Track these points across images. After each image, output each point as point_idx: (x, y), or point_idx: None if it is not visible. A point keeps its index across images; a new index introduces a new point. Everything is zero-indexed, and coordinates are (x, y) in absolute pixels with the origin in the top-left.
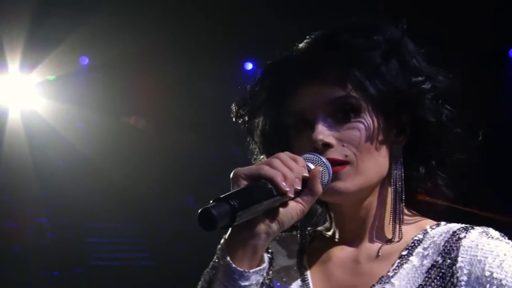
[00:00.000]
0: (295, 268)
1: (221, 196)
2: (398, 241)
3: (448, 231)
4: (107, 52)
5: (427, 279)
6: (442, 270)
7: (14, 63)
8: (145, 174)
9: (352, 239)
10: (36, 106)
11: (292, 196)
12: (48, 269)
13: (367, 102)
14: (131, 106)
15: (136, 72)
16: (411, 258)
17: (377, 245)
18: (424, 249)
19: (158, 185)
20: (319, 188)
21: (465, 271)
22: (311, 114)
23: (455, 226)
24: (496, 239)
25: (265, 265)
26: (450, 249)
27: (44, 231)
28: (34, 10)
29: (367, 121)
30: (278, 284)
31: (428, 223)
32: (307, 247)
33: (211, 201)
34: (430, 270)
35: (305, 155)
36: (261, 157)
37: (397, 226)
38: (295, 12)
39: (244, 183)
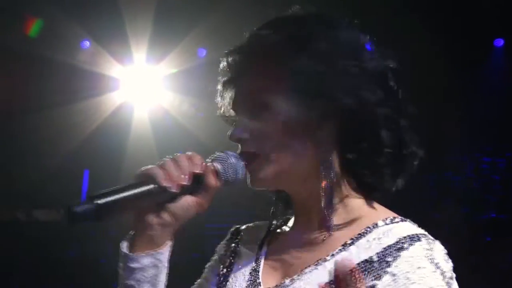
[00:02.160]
0: (255, 252)
1: (95, 193)
2: (338, 227)
3: (395, 234)
4: (226, 45)
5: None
6: (373, 268)
7: (140, 57)
8: None
9: (303, 225)
10: (160, 98)
11: (175, 190)
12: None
13: (280, 93)
14: None
15: None
16: (351, 247)
17: (323, 231)
18: (368, 242)
19: None
20: (211, 182)
21: (390, 278)
22: (236, 109)
23: (404, 230)
24: (435, 264)
25: (160, 250)
26: (389, 253)
27: None
28: (159, 4)
29: (280, 113)
30: (236, 267)
31: (381, 215)
32: (271, 234)
33: (87, 197)
34: (361, 263)
35: (217, 154)
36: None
37: (328, 211)
38: None
39: (135, 181)
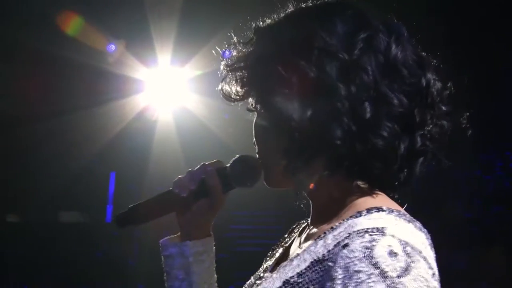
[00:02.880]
0: (283, 249)
1: (135, 204)
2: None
3: (352, 228)
4: None
5: (308, 268)
6: (320, 270)
7: (165, 59)
8: None
9: (312, 221)
10: (185, 100)
11: (184, 195)
12: None
13: (266, 96)
14: None
15: None
16: (320, 241)
17: (324, 225)
18: (334, 236)
19: None
20: (211, 183)
21: (330, 285)
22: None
23: (363, 223)
24: (373, 264)
25: (185, 243)
26: (333, 253)
27: None
28: (184, 6)
29: (265, 115)
30: (271, 258)
31: (368, 205)
32: (292, 234)
33: (128, 207)
34: (314, 262)
35: (234, 159)
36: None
37: (319, 204)
38: None
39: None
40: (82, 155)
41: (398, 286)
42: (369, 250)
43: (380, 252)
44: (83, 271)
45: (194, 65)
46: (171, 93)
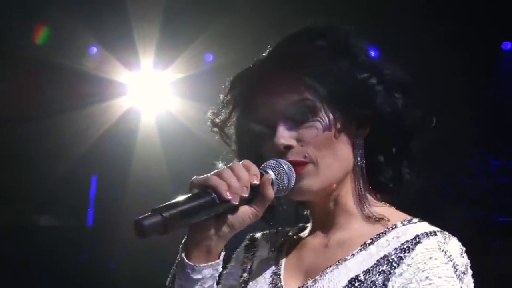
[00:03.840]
0: (274, 257)
1: (159, 206)
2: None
3: (413, 232)
4: (233, 51)
5: (375, 265)
6: (390, 261)
7: (147, 62)
8: None
9: (323, 227)
10: (167, 103)
11: (236, 203)
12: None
13: (322, 102)
14: None
15: None
16: (371, 246)
17: (346, 232)
18: (387, 241)
19: None
20: (269, 194)
21: (403, 268)
22: (272, 120)
23: (422, 228)
24: (448, 257)
25: (219, 260)
26: (406, 248)
27: None
28: (166, 5)
29: (324, 119)
30: (256, 271)
31: (399, 218)
32: (289, 239)
33: (151, 210)
34: (381, 259)
35: (268, 162)
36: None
37: (365, 210)
38: None
39: (195, 191)
40: (64, 158)
41: (463, 280)
42: (445, 245)
43: (453, 249)
44: (65, 275)
45: (177, 68)
46: (154, 96)
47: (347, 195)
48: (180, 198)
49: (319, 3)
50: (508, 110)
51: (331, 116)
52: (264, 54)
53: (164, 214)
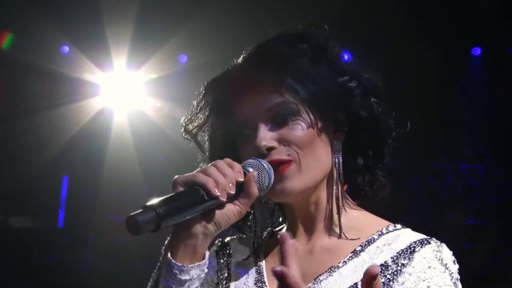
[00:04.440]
0: (252, 263)
1: (150, 203)
2: (354, 239)
3: (405, 240)
4: (207, 51)
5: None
6: (388, 272)
7: (120, 62)
8: None
9: (305, 232)
10: (140, 104)
11: (224, 200)
12: (149, 260)
13: (303, 104)
14: None
15: None
16: (362, 253)
17: (330, 238)
18: (377, 248)
19: None
20: (254, 191)
21: (405, 277)
22: (252, 122)
23: (412, 236)
24: (444, 265)
25: (205, 260)
26: (403, 257)
27: None
28: (139, 6)
29: (305, 121)
30: (236, 279)
31: (382, 224)
32: (264, 244)
33: (142, 206)
34: (378, 268)
35: (247, 161)
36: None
37: (338, 217)
38: None
39: (180, 189)
40: (35, 159)
41: (458, 286)
42: (439, 253)
43: (447, 257)
44: (34, 278)
45: (150, 68)
46: (127, 97)
47: (329, 199)
48: (169, 195)
49: (290, 5)
50: (476, 114)
51: (312, 117)
52: (241, 58)
53: (158, 210)
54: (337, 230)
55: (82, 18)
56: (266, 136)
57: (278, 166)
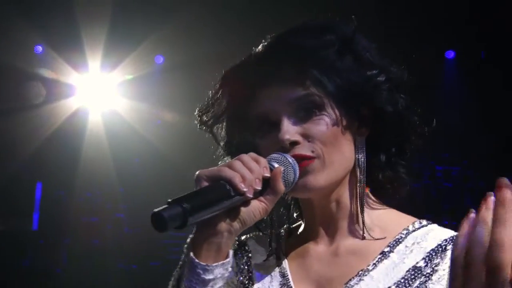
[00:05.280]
0: (274, 264)
1: (176, 198)
2: (380, 238)
3: (434, 238)
4: (183, 52)
5: (406, 277)
6: (423, 274)
7: (95, 63)
8: None
9: (326, 232)
10: (115, 105)
11: (251, 196)
12: (125, 262)
13: (328, 98)
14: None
15: (212, 72)
16: (391, 254)
17: (354, 238)
18: (406, 247)
19: None
20: (281, 187)
21: (439, 274)
22: (274, 115)
23: (441, 233)
24: None
25: (229, 259)
26: (434, 256)
27: (122, 225)
28: (114, 9)
29: (330, 116)
30: (259, 281)
31: (407, 220)
32: (283, 243)
33: (166, 202)
34: (411, 270)
35: (272, 155)
36: (225, 158)
37: (362, 217)
38: None
39: (205, 184)
40: (9, 160)
41: None
42: None
43: None
44: (9, 281)
45: (125, 69)
46: (102, 98)
47: (351, 196)
48: (197, 190)
49: (264, 5)
50: (451, 116)
51: (337, 112)
52: (260, 47)
53: (184, 206)
54: (361, 230)
55: (56, 17)
56: (289, 129)
57: (301, 161)
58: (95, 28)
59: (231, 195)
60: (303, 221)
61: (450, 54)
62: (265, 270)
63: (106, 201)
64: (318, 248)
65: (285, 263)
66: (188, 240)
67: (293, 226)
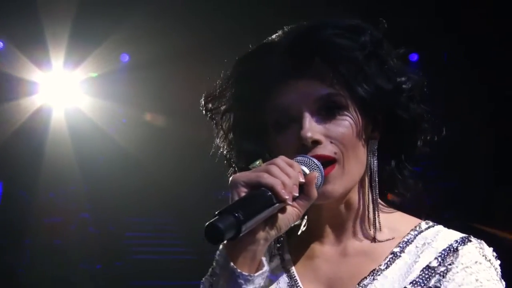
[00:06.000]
0: (279, 265)
1: (225, 208)
2: (389, 239)
3: (444, 239)
4: (148, 50)
5: (421, 276)
6: (436, 273)
7: (58, 61)
8: (185, 169)
9: (333, 233)
10: (79, 103)
11: (291, 203)
12: (89, 263)
13: (352, 100)
14: (172, 105)
15: (178, 70)
16: (403, 255)
17: (363, 240)
18: (417, 248)
19: (198, 181)
20: (315, 193)
21: (453, 273)
22: (296, 110)
23: (451, 234)
24: (488, 261)
25: (266, 268)
26: (447, 256)
27: (86, 225)
28: (77, 9)
29: (353, 118)
30: (265, 284)
31: (414, 221)
32: (285, 244)
33: (216, 213)
34: (424, 270)
35: (298, 158)
36: (225, 151)
37: (377, 219)
38: None
39: (243, 190)
40: None
41: (502, 281)
42: (482, 250)
43: (489, 253)
44: None
45: (88, 67)
46: (65, 95)
47: (361, 199)
48: (241, 199)
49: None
50: None
51: (358, 115)
52: (282, 35)
53: (236, 215)
54: (370, 231)
55: (18, 13)
56: (312, 127)
57: (323, 164)
58: (58, 24)
59: (273, 202)
60: (304, 221)
61: (414, 57)
62: (271, 272)
63: (70, 201)
64: (324, 249)
65: (290, 264)
66: (221, 247)
67: (292, 226)
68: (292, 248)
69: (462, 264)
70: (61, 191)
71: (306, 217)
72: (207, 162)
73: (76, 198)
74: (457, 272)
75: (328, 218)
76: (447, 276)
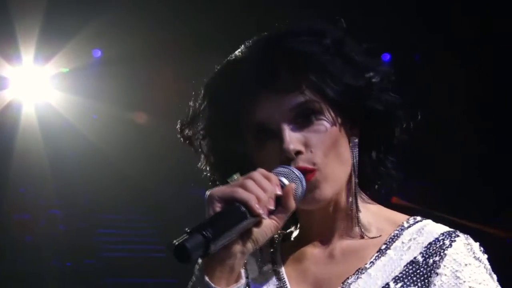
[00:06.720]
0: (270, 269)
1: (196, 226)
2: (376, 237)
3: (430, 232)
4: (120, 45)
5: (404, 272)
6: (421, 269)
7: (28, 56)
8: (158, 166)
9: (323, 235)
10: (50, 98)
11: (266, 217)
12: (59, 260)
13: (325, 103)
14: (145, 100)
15: (150, 66)
16: (388, 251)
17: (350, 239)
18: (403, 243)
19: (171, 178)
20: (292, 205)
21: (442, 279)
22: (273, 124)
23: (437, 227)
24: (477, 259)
25: (243, 281)
26: (433, 252)
27: (57, 222)
28: (48, 2)
29: (329, 121)
30: (256, 285)
31: (401, 217)
32: (278, 248)
33: (186, 231)
34: (408, 265)
35: (278, 169)
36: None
37: (357, 214)
38: None
39: (218, 206)
40: None
41: (493, 276)
42: (470, 246)
43: (477, 249)
44: None
45: (60, 62)
46: (35, 90)
47: (345, 197)
48: (213, 215)
49: None
50: None
51: (333, 116)
52: (246, 51)
53: (205, 233)
54: (357, 229)
55: None
56: (292, 138)
57: (305, 174)
58: (29, 18)
59: (247, 217)
60: (296, 226)
61: (386, 57)
62: (261, 276)
63: (40, 197)
64: (314, 251)
65: (281, 267)
66: (199, 261)
67: (288, 231)
68: (284, 252)
69: (449, 268)
70: (31, 187)
71: (298, 222)
72: (179, 158)
73: (47, 194)
74: (446, 278)
75: (318, 220)
76: (434, 280)
